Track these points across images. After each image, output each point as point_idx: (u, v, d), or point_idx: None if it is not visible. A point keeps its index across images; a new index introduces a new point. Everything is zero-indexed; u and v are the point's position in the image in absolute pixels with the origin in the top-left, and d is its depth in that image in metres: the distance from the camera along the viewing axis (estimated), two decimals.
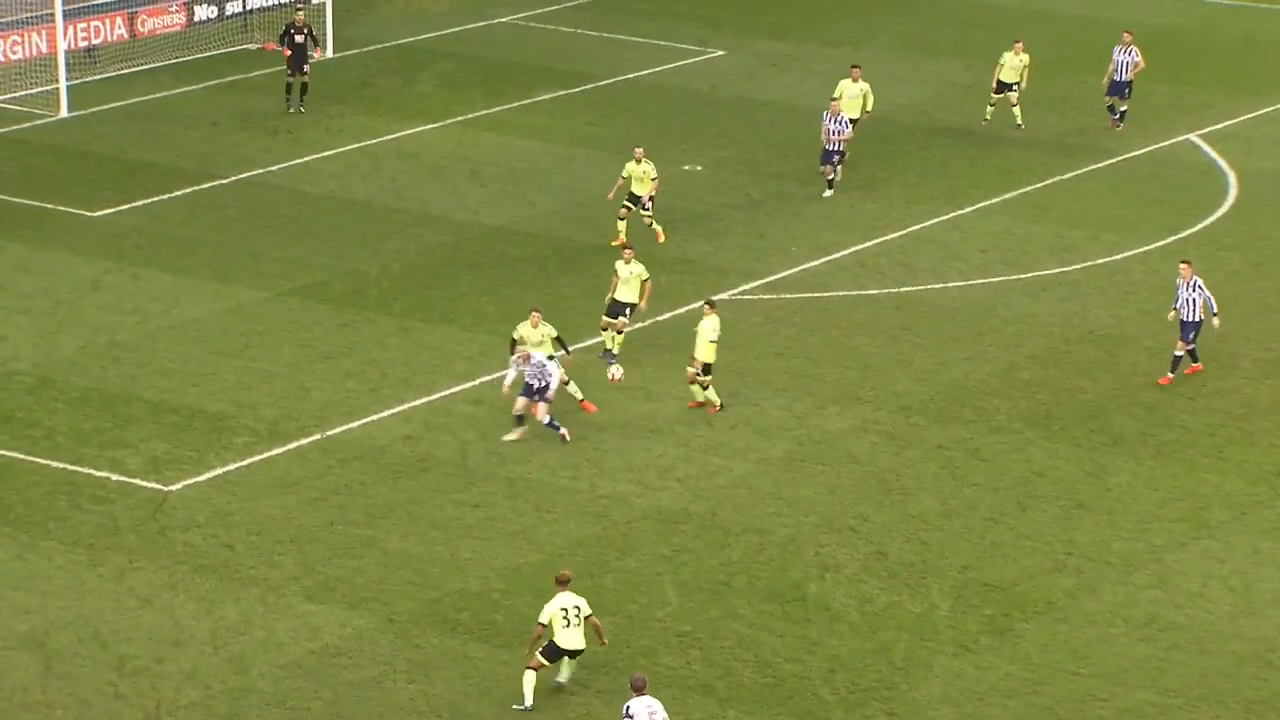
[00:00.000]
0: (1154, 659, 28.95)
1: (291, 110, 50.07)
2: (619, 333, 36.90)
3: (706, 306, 35.55)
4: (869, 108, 47.49)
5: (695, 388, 35.42)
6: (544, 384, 34.10)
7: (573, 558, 30.95)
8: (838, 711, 27.61)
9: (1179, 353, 36.57)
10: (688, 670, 28.44)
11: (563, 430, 34.08)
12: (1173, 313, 36.76)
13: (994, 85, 49.93)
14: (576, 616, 27.33)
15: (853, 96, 47.15)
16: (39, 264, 41.63)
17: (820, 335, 38.73)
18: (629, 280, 36.99)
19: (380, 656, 28.54)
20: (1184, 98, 53.07)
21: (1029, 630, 29.55)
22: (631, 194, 42.44)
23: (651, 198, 42.42)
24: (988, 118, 49.93)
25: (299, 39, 50.00)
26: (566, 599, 27.37)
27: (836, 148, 45.52)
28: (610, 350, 36.70)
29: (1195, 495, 33.25)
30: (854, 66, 47.91)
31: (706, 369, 35.22)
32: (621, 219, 42.37)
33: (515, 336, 35.05)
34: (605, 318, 36.86)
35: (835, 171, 45.50)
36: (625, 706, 25.49)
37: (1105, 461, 34.29)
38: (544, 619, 27.29)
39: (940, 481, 33.44)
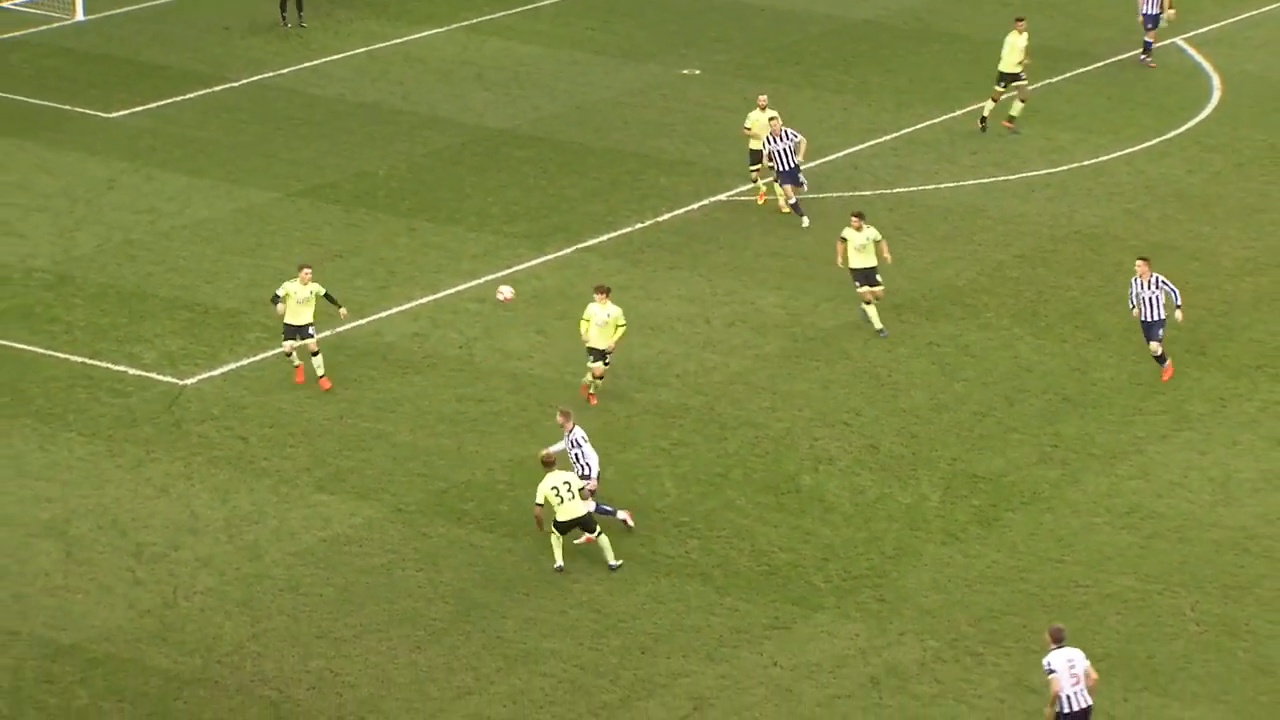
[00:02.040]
0: (1135, 546, 29.01)
1: (289, 27, 48.87)
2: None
3: (598, 294, 31.89)
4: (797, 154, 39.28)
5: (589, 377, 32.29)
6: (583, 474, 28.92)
7: None
8: (830, 598, 27.69)
9: (1157, 353, 33.05)
10: (686, 559, 28.50)
11: (622, 515, 29.15)
12: (1133, 311, 33.11)
13: (995, 76, 43.28)
14: (569, 490, 27.57)
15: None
16: (57, 164, 41.45)
17: (815, 235, 38.58)
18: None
19: (389, 545, 28.60)
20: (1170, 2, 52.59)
21: (1015, 520, 29.60)
22: (753, 151, 38.99)
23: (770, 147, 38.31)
24: (985, 115, 43.26)
25: None
26: (556, 477, 27.64)
27: (789, 165, 38.44)
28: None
29: (1177, 389, 33.22)
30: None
31: (601, 355, 31.87)
32: (754, 182, 39.49)
33: (279, 294, 32.21)
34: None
35: (801, 189, 38.91)
36: (1045, 661, 23.91)
37: (1090, 357, 34.25)
38: (539, 499, 27.66)
39: (930, 377, 33.41)
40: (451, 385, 32.87)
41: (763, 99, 39.74)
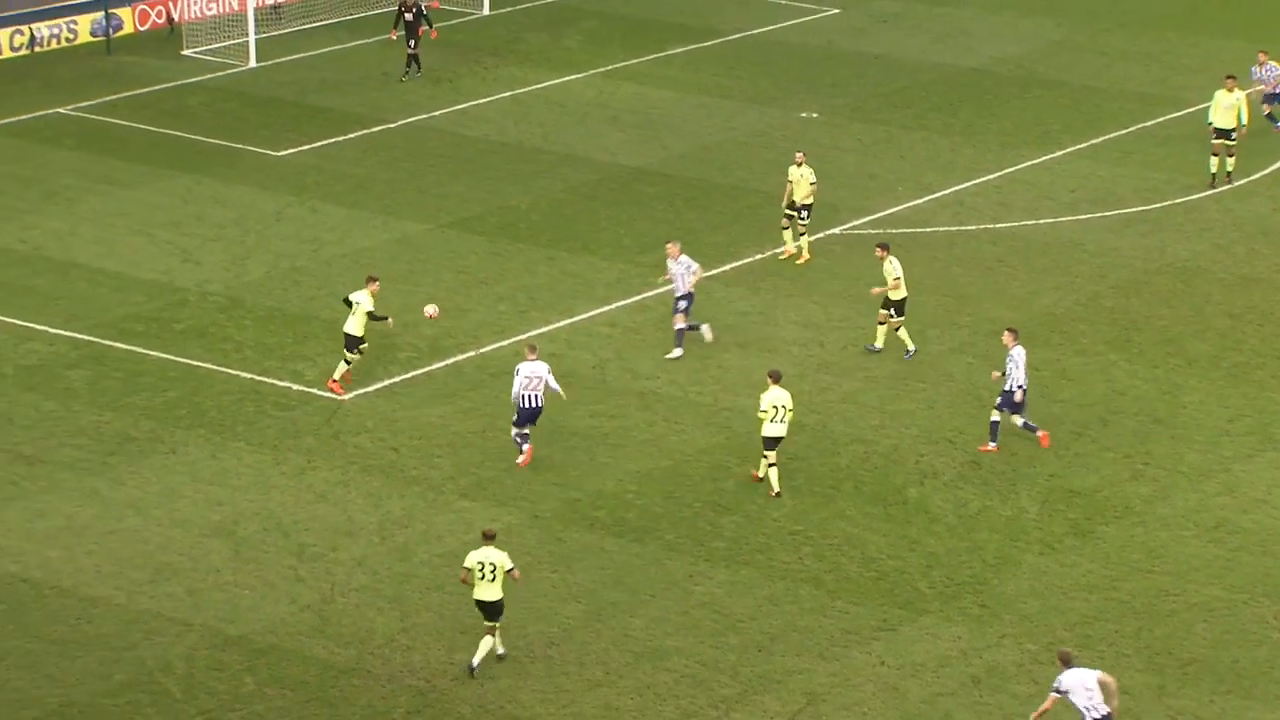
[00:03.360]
0: (1221, 559, 28.56)
1: (405, 79, 48.37)
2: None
3: (771, 379, 29.99)
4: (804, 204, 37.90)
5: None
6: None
7: (698, 463, 30.93)
8: (935, 603, 27.45)
9: (1020, 423, 31.12)
10: (800, 565, 28.37)
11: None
12: (997, 375, 31.38)
13: (1210, 132, 41.96)
14: (493, 572, 25.48)
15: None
16: (230, 197, 41.96)
17: (922, 266, 38.34)
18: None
19: (526, 548, 28.66)
20: (1257, 53, 51.87)
21: (1108, 532, 29.23)
22: (791, 202, 37.69)
23: (808, 206, 37.48)
24: (1214, 171, 42.04)
25: (408, 16, 48.41)
26: (485, 554, 25.52)
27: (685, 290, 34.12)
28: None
29: (1263, 412, 32.70)
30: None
31: (775, 443, 29.65)
32: (785, 228, 38.21)
33: (354, 300, 32.41)
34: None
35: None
36: (1056, 681, 23.27)
37: (1180, 381, 33.79)
38: (468, 564, 25.67)
39: (1031, 398, 33.04)
40: (585, 402, 32.92)
41: (800, 155, 38.02)
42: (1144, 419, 32.55)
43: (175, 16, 53.40)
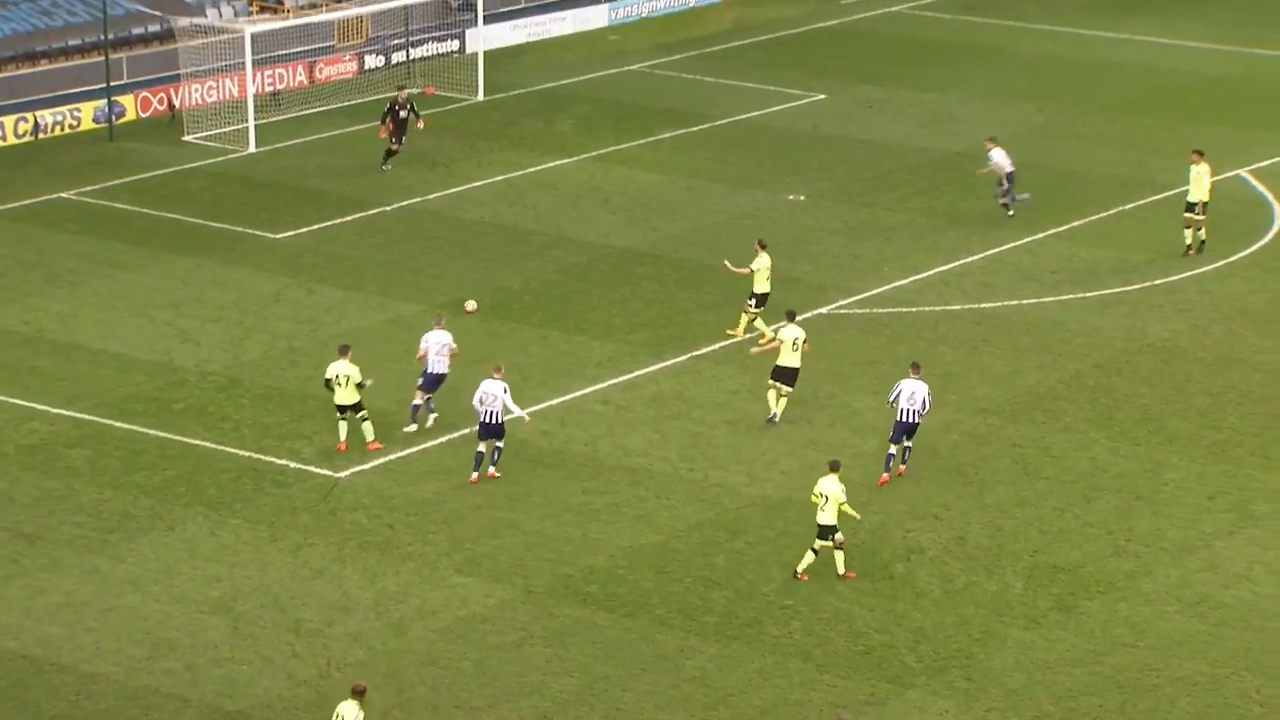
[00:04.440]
0: (1204, 634, 28.52)
1: (386, 168, 47.82)
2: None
3: (831, 469, 29.72)
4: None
5: None
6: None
7: (688, 539, 30.91)
8: (921, 677, 27.39)
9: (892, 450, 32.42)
10: (789, 639, 28.31)
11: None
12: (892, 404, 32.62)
13: (1184, 206, 42.86)
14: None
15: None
16: (229, 279, 42.06)
17: (908, 345, 38.45)
18: (832, 499, 29.59)
19: (520, 623, 28.59)
20: (1234, 137, 52.28)
21: (1092, 608, 29.20)
22: (754, 292, 38.07)
23: (758, 295, 37.86)
24: (1189, 243, 42.71)
25: (402, 114, 47.76)
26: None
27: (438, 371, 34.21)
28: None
29: (1243, 489, 32.74)
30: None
31: (830, 531, 29.44)
32: (747, 311, 38.36)
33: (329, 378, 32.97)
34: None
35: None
36: None
37: (1161, 459, 33.84)
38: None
39: (1014, 475, 33.12)
40: (578, 479, 32.92)
41: (760, 242, 38.51)
42: (1126, 496, 32.58)
43: (177, 103, 53.68)
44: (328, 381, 33.60)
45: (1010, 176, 45.20)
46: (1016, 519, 31.73)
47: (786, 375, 34.80)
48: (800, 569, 29.64)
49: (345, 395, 33.43)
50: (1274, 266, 43.02)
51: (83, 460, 33.41)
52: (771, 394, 35.10)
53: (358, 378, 33.33)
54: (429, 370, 34.03)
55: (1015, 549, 30.81)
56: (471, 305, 36.56)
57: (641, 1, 66.33)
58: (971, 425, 34.86)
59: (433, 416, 34.20)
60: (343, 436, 33.59)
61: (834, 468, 29.90)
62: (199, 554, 30.43)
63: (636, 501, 32.25)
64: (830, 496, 29.51)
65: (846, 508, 29.56)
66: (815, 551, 29.67)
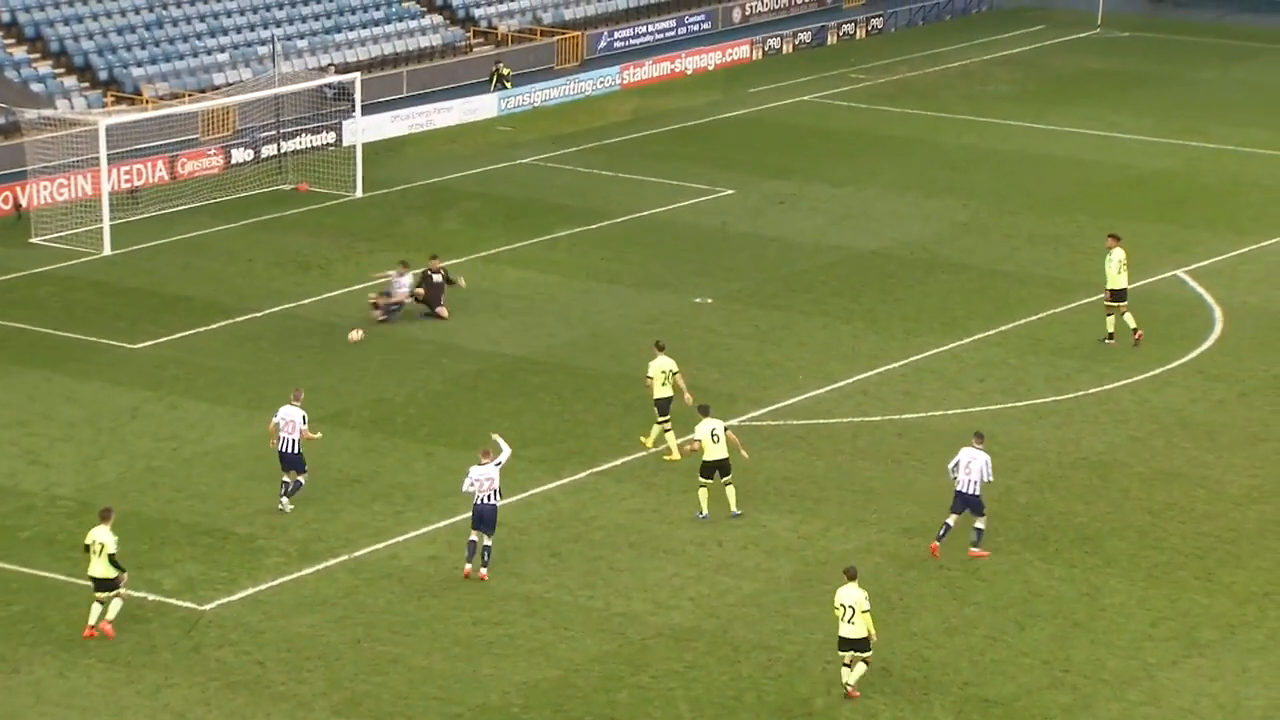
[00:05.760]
0: None
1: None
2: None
3: (847, 574, 30.53)
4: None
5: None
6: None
7: (589, 673, 30.86)
8: None
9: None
10: None
11: None
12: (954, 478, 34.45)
13: (1106, 294, 44.47)
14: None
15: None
16: (82, 394, 41.79)
17: (825, 460, 38.74)
18: (857, 615, 30.24)
19: None
20: (1172, 236, 53.32)
21: None
22: (655, 399, 38.57)
23: (668, 399, 38.44)
24: (1111, 332, 44.36)
25: (435, 278, 46.27)
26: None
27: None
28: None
29: (1186, 615, 33.10)
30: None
31: (858, 645, 30.20)
32: (665, 429, 38.64)
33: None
34: None
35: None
36: None
37: (1099, 582, 34.17)
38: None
39: (941, 600, 33.33)
40: (467, 608, 32.83)
41: (657, 344, 39.13)
42: (1062, 622, 32.85)
43: (23, 202, 53.50)
44: (86, 547, 31.56)
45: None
46: (945, 648, 31.91)
47: (718, 467, 35.77)
48: (850, 683, 29.96)
49: (100, 567, 31.38)
50: (1215, 374, 43.78)
51: None
52: (702, 493, 35.80)
53: (112, 548, 31.40)
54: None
55: (944, 681, 30.95)
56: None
57: (533, 90, 66.96)
58: (895, 546, 35.11)
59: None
60: (93, 620, 31.54)
61: (851, 575, 30.29)
62: (47, 699, 30.02)
63: (532, 633, 32.18)
64: (854, 606, 29.87)
65: (867, 619, 29.86)
66: (848, 665, 30.07)
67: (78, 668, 30.81)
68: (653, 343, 39.85)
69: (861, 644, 30.03)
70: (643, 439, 39.13)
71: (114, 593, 31.56)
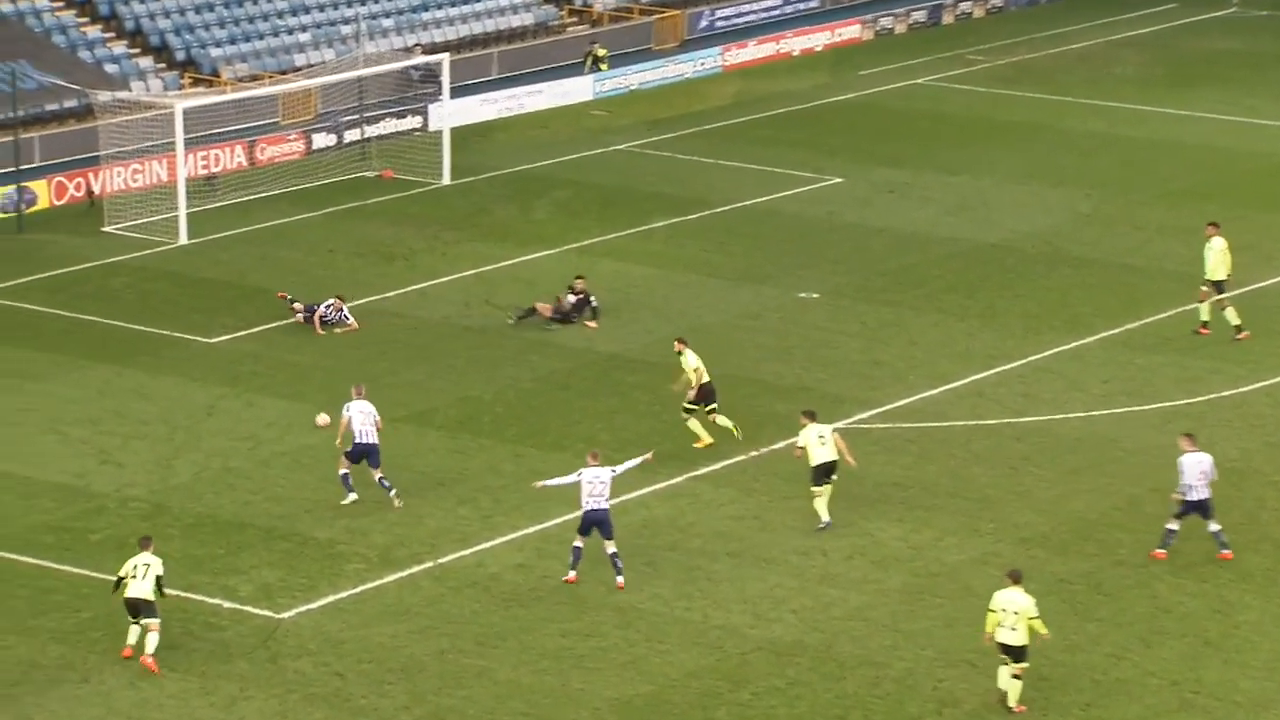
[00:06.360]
0: None
1: (510, 321, 44.86)
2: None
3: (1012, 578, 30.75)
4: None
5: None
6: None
7: (685, 689, 30.77)
8: None
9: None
10: None
11: None
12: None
13: (1207, 284, 44.57)
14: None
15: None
16: (155, 390, 42.08)
17: (938, 465, 38.47)
18: (1022, 619, 30.31)
19: None
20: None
21: None
22: (701, 387, 38.82)
23: (700, 386, 38.82)
24: (1206, 320, 44.58)
25: (571, 298, 45.37)
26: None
27: None
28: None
29: None
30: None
31: (1015, 653, 30.37)
32: (704, 413, 39.04)
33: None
34: None
35: None
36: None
37: (1233, 598, 33.77)
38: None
39: (1062, 616, 33.02)
40: (556, 619, 32.81)
41: (679, 343, 39.31)
42: (1193, 640, 32.49)
43: (96, 189, 53.98)
44: (119, 580, 31.07)
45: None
46: (1066, 667, 31.62)
47: (830, 470, 35.68)
48: (1013, 703, 29.83)
49: (142, 588, 30.80)
50: None
51: None
52: (819, 501, 35.68)
53: (159, 570, 31.06)
54: (357, 441, 36.01)
55: (1064, 702, 30.67)
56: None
57: (629, 72, 66.95)
58: (1012, 557, 34.81)
59: (394, 496, 35.92)
60: (132, 640, 31.22)
61: (1016, 579, 30.32)
62: (117, 710, 30.22)
63: (625, 646, 32.12)
64: (1019, 611, 29.88)
65: (1038, 624, 29.90)
66: (1017, 677, 29.93)
67: (150, 678, 31.00)
68: (697, 340, 39.65)
69: (1020, 652, 29.92)
70: (734, 433, 38.94)
71: (150, 620, 30.85)
